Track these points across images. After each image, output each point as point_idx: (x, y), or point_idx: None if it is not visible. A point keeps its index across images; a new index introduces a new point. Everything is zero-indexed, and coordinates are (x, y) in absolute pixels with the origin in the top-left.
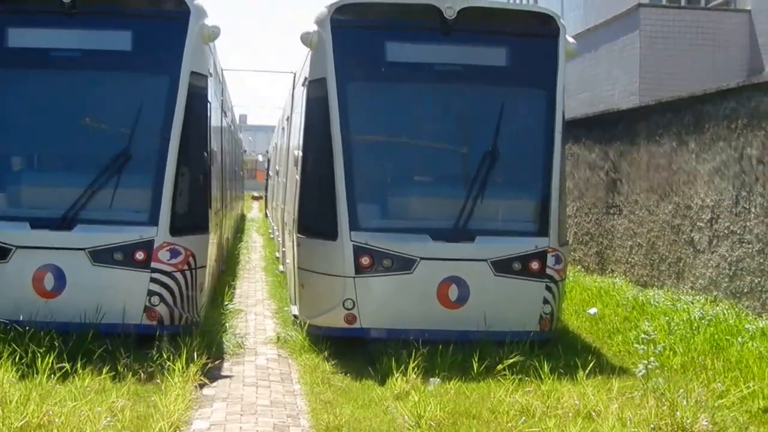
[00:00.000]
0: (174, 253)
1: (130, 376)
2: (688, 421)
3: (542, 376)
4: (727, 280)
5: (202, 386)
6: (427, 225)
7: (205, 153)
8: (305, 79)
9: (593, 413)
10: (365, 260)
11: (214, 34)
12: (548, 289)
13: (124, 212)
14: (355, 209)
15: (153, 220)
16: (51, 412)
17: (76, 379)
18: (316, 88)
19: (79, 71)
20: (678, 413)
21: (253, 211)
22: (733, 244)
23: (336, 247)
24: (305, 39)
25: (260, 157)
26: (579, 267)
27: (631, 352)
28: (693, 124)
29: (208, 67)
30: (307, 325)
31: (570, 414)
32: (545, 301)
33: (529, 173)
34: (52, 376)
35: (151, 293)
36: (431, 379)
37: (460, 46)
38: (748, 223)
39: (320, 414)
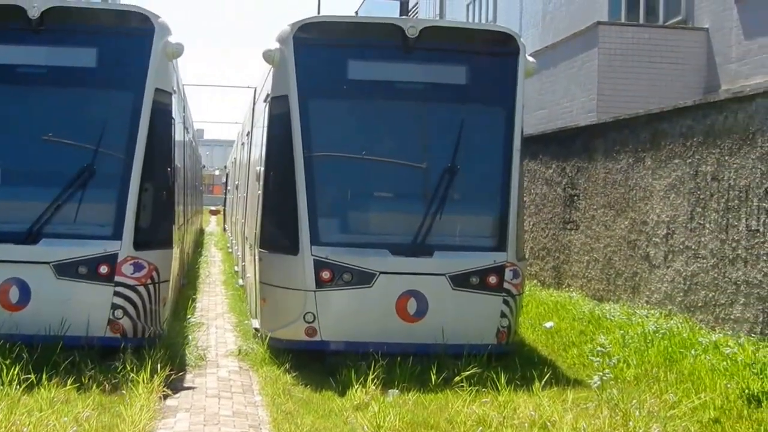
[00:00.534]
0: (138, 267)
1: (94, 387)
2: (641, 431)
3: (499, 388)
4: (681, 294)
5: (165, 397)
6: (386, 240)
7: (169, 168)
8: (267, 95)
9: (548, 423)
10: (326, 274)
11: (177, 51)
12: (506, 302)
13: (89, 226)
14: (316, 224)
15: (117, 235)
16: (18, 422)
17: (42, 390)
18: (278, 104)
19: (45, 87)
20: (631, 423)
21: (211, 225)
22: (687, 259)
23: (297, 262)
24: (268, 56)
25: (217, 172)
26: (536, 281)
27: (585, 364)
28: (650, 141)
29: (172, 83)
30: (268, 338)
31: (526, 424)
32: (503, 315)
33: (487, 189)
34: (18, 387)
35: (114, 306)
36: (390, 391)
37: (421, 65)
38: (702, 239)
39: (281, 424)
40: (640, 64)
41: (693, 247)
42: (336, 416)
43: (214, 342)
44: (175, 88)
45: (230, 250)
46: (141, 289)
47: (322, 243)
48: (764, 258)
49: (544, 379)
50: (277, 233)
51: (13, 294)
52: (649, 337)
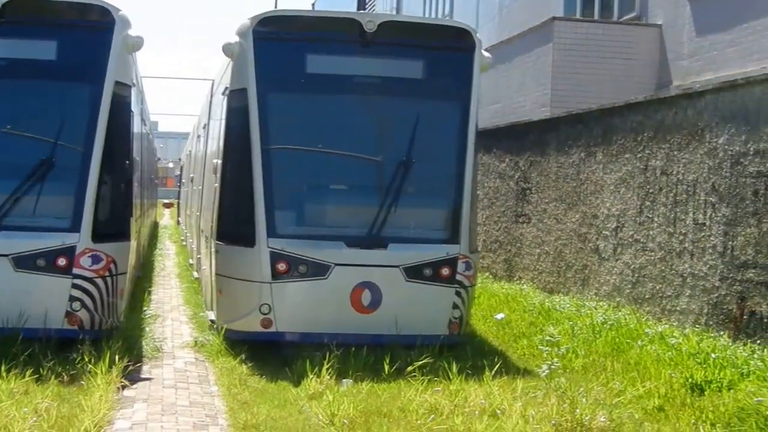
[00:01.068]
0: (95, 259)
1: (53, 378)
2: (587, 418)
3: (450, 377)
4: (630, 286)
5: (123, 388)
6: (342, 232)
7: (127, 161)
8: (226, 88)
9: (498, 411)
10: (282, 266)
11: (137, 44)
12: (458, 294)
13: (47, 219)
14: (273, 217)
15: (75, 227)
16: None
17: (1, 381)
18: (236, 97)
19: (4, 79)
20: (578, 411)
21: (165, 218)
22: (636, 251)
23: (253, 254)
24: (227, 49)
25: (171, 164)
26: (488, 274)
27: (535, 354)
28: (601, 136)
29: (132, 76)
30: (224, 329)
31: (476, 412)
32: (455, 306)
33: (441, 183)
34: None
35: (72, 299)
36: (344, 380)
37: (378, 59)
38: (651, 232)
39: (237, 413)
40: (595, 59)
41: (642, 240)
42: (291, 405)
43: (170, 334)
44: (134, 81)
45: (184, 243)
46: (99, 281)
47: (278, 235)
48: (710, 251)
49: (495, 369)
50: (234, 225)
51: None
52: (598, 328)
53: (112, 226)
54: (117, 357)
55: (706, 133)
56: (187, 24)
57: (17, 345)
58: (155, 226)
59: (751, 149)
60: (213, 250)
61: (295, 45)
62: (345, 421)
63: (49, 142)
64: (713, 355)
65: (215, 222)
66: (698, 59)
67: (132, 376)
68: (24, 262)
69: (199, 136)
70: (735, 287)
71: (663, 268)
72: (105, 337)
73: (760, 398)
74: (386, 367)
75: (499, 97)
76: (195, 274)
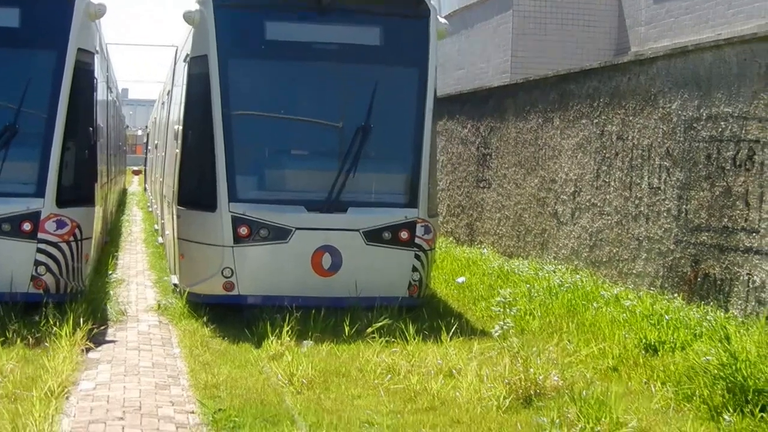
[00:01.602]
0: (60, 224)
1: (18, 341)
2: (540, 377)
3: (408, 338)
4: (587, 250)
5: (87, 350)
6: (302, 197)
7: (91, 128)
8: (187, 55)
9: (454, 371)
10: (243, 230)
11: (100, 11)
12: (417, 257)
13: (12, 184)
14: (234, 182)
15: (40, 192)
16: None
17: None
18: (197, 64)
19: None
20: (531, 370)
21: (133, 185)
22: (593, 216)
23: (215, 218)
24: (188, 17)
25: (140, 132)
26: (451, 238)
27: (492, 317)
28: (558, 102)
29: (95, 44)
30: (186, 293)
31: (432, 372)
32: (414, 269)
33: (400, 148)
34: None
35: (37, 263)
36: (304, 342)
37: (335, 26)
38: (607, 196)
39: (199, 374)
40: (554, 26)
41: (598, 204)
42: (252, 366)
43: (134, 297)
44: (97, 48)
45: (150, 210)
46: (63, 246)
47: (239, 200)
48: (664, 215)
49: (452, 330)
50: (195, 190)
51: None
52: (554, 291)
53: (77, 191)
54: (81, 320)
55: (660, 98)
56: None
57: None
58: (123, 192)
59: (704, 114)
60: (175, 215)
61: (255, 12)
62: (304, 380)
63: (12, 109)
64: (667, 317)
65: (177, 187)
66: (655, 26)
67: (96, 339)
68: None
69: (163, 103)
70: (689, 250)
71: (619, 231)
72: (70, 300)
73: (708, 357)
74: (346, 329)
75: (462, 63)
76: (160, 239)
